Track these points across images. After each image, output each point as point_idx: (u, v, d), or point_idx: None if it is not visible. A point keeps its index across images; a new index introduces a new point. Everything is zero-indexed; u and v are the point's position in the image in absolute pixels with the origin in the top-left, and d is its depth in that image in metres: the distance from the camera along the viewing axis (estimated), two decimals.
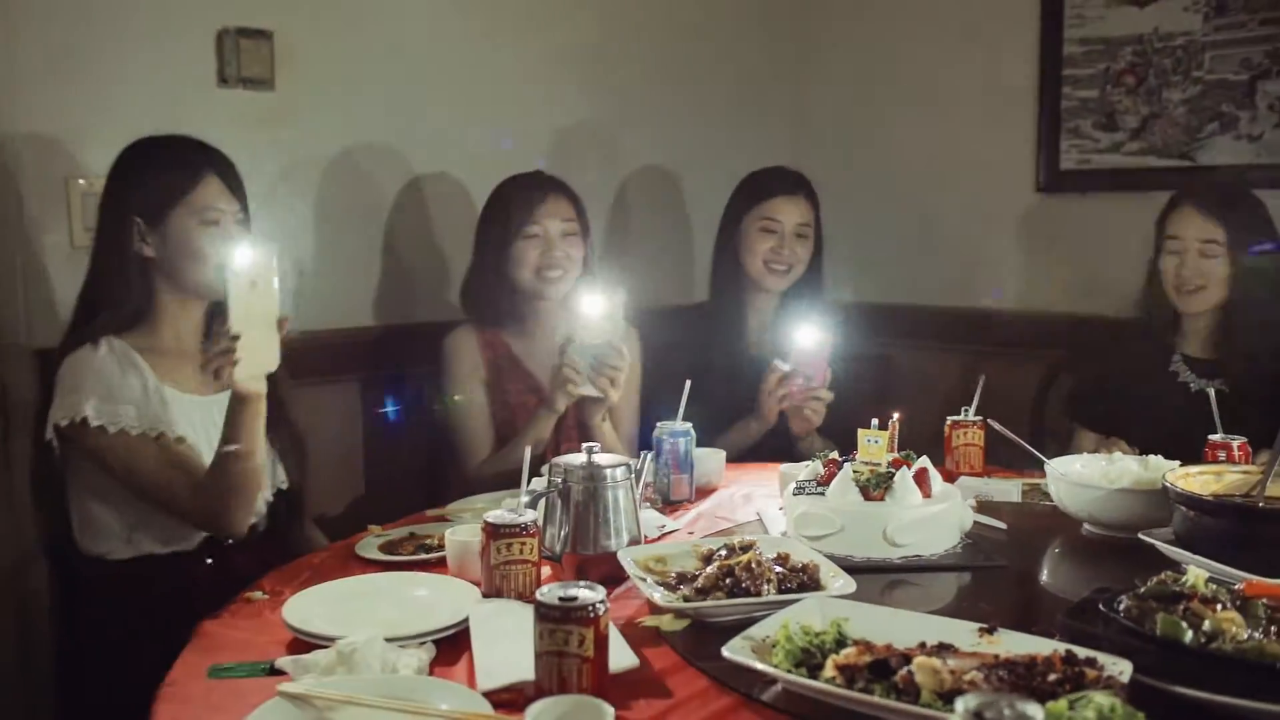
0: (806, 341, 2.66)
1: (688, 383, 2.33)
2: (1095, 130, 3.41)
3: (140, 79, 2.56)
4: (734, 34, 3.84)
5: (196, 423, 2.18)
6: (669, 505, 2.27)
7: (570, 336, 2.48)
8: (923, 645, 1.37)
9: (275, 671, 1.47)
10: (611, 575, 1.74)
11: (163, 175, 2.16)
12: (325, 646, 1.48)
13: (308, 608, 1.65)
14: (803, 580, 1.63)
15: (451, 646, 1.54)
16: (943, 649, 1.36)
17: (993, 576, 1.86)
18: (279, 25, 2.77)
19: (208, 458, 2.11)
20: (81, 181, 2.48)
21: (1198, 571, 1.52)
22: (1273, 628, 1.39)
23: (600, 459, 1.86)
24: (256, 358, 1.94)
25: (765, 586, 1.59)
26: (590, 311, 2.44)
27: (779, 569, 1.64)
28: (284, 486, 2.34)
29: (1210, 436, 2.21)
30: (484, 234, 2.77)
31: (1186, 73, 3.24)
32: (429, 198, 3.13)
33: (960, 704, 0.95)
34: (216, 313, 2.22)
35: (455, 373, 2.73)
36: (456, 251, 3.05)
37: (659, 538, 2.03)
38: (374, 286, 3.05)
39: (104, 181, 2.21)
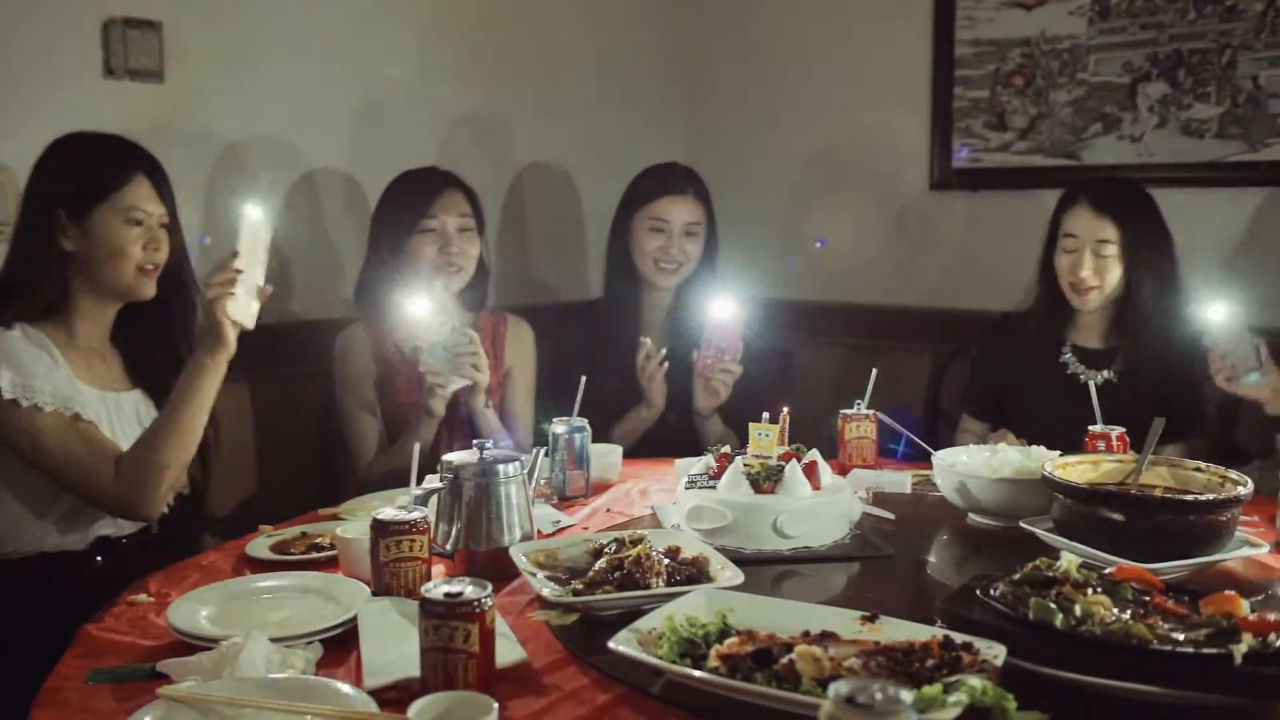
0: (721, 314, 2.69)
1: (583, 379, 2.34)
2: (986, 129, 3.49)
3: (22, 69, 2.49)
4: (628, 29, 3.85)
5: (104, 418, 2.15)
6: (564, 501, 2.27)
7: (416, 345, 2.49)
8: (806, 634, 1.40)
9: (158, 675, 1.44)
10: (504, 571, 1.74)
11: (91, 170, 2.15)
12: (211, 649, 1.46)
13: (193, 610, 1.63)
14: (692, 573, 1.65)
15: (340, 646, 1.52)
16: (825, 637, 1.39)
17: (880, 566, 1.90)
18: (168, 16, 2.71)
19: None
20: None
21: (1070, 557, 1.58)
22: (1139, 610, 1.45)
23: (492, 455, 1.86)
24: (241, 308, 2.02)
25: (654, 579, 1.60)
26: (420, 314, 2.45)
27: (669, 562, 1.66)
28: (185, 492, 2.28)
29: (1090, 427, 2.28)
30: (379, 229, 2.75)
31: (1072, 75, 3.33)
32: (322, 193, 3.09)
33: (832, 690, 0.97)
34: (128, 313, 2.24)
35: (346, 371, 2.70)
36: (350, 247, 3.03)
37: (554, 533, 2.03)
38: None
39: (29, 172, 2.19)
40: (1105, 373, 2.66)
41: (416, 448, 1.78)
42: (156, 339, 2.28)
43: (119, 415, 2.19)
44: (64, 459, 2.04)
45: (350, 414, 2.68)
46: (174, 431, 2.05)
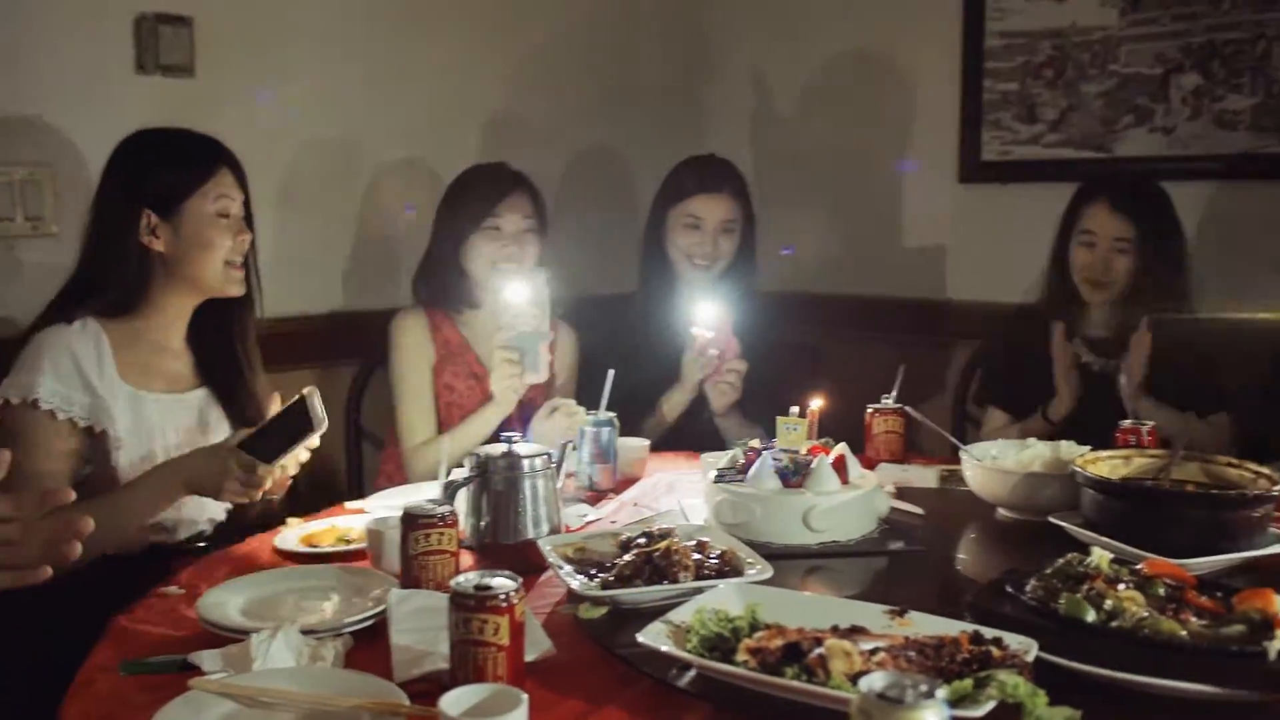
0: (709, 317, 2.69)
1: (610, 373, 2.34)
2: (1015, 122, 3.46)
3: (54, 65, 2.50)
4: (651, 23, 3.87)
5: (155, 420, 2.14)
6: (592, 494, 2.28)
7: (504, 330, 2.49)
8: (835, 628, 1.39)
9: (189, 666, 1.45)
10: (532, 564, 1.75)
11: (178, 165, 2.16)
12: (241, 640, 1.47)
13: (224, 602, 1.63)
14: (720, 567, 1.65)
15: (370, 638, 1.53)
16: (854, 631, 1.38)
17: (909, 560, 1.89)
18: (199, 12, 2.72)
19: (159, 456, 2.09)
20: None
21: (1101, 552, 1.57)
22: (1171, 605, 1.43)
23: (520, 449, 1.86)
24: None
25: (683, 573, 1.60)
26: (515, 299, 2.45)
27: (697, 556, 1.66)
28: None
29: (1121, 422, 2.26)
30: (443, 222, 2.76)
31: (1103, 66, 3.30)
32: (368, 186, 3.13)
33: (864, 684, 0.97)
34: (199, 311, 2.23)
35: (403, 352, 2.71)
36: (398, 239, 3.08)
37: (581, 527, 2.04)
38: (313, 274, 3.05)
39: (102, 172, 2.18)
40: (1114, 361, 2.65)
41: (446, 443, 1.80)
42: (224, 337, 2.28)
43: (180, 415, 2.18)
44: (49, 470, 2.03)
45: (405, 394, 2.70)
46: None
